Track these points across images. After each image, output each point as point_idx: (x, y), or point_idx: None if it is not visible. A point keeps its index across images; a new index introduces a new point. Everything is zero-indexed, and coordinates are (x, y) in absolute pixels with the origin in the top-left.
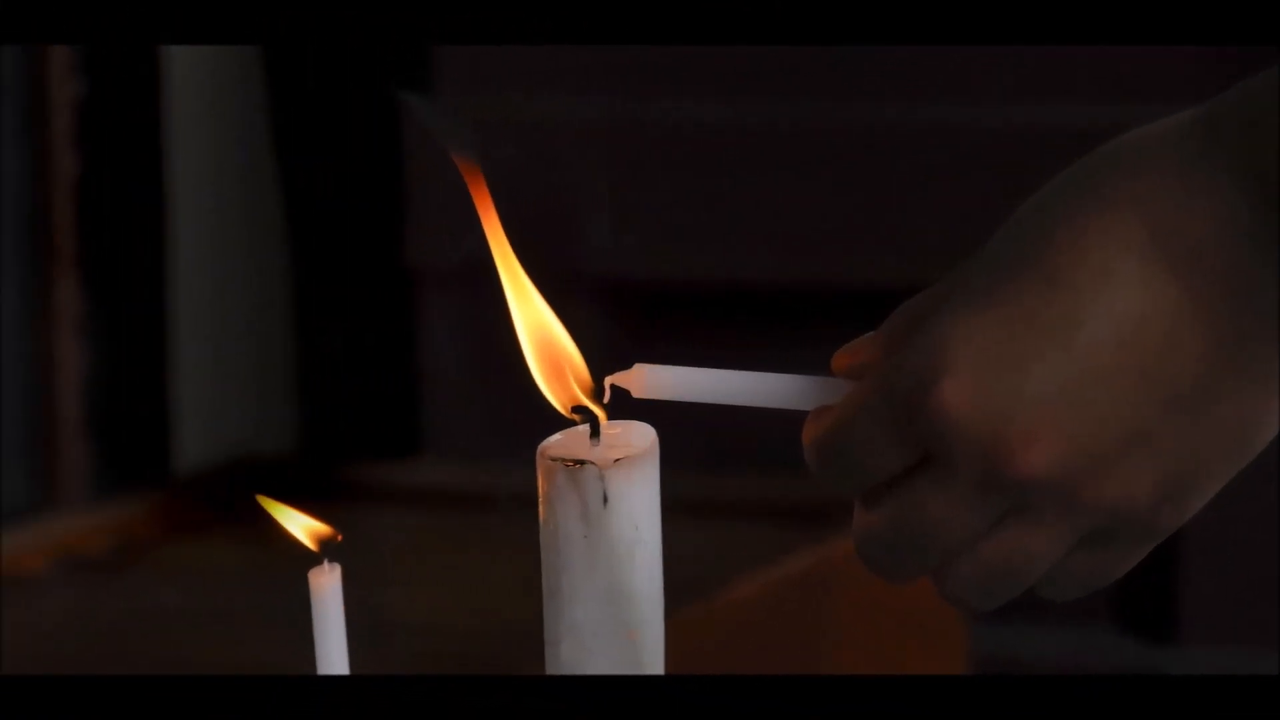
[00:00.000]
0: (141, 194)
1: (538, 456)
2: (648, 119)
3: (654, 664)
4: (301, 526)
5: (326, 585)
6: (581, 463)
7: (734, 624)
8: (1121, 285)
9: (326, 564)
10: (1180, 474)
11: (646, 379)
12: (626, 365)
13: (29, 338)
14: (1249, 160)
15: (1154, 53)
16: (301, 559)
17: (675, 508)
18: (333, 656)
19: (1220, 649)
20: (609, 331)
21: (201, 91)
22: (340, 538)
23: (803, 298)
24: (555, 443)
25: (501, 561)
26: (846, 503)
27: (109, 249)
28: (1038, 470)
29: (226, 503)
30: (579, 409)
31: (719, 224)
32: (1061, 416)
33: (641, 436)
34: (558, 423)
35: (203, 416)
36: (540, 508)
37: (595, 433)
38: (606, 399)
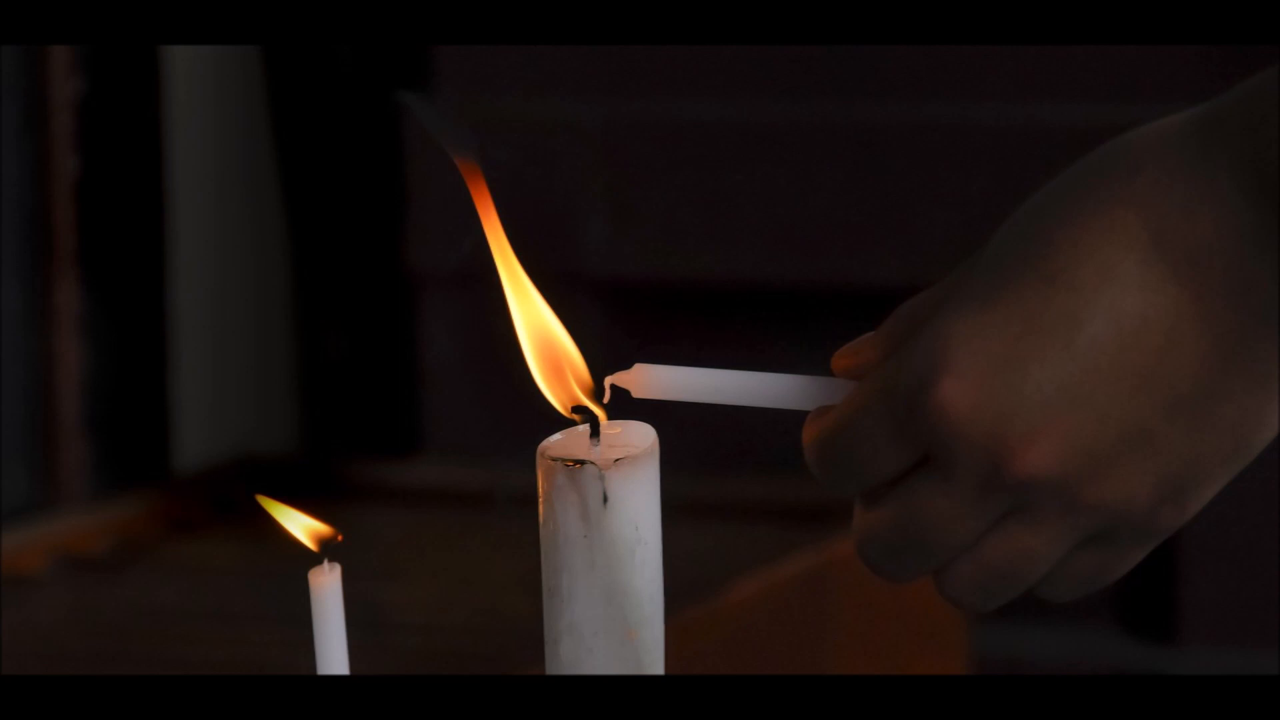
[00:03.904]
0: (141, 194)
1: (538, 456)
2: (647, 119)
3: (654, 664)
4: (301, 526)
5: (326, 585)
6: (581, 463)
7: (734, 624)
8: (1122, 285)
9: (326, 564)
10: (1180, 474)
11: (646, 379)
12: (626, 365)
13: (29, 338)
14: (1250, 160)
15: (1154, 53)
16: (301, 559)
17: (675, 508)
18: (333, 656)
19: (1220, 649)
20: (609, 331)
21: (201, 91)
22: (340, 537)
23: (803, 298)
24: (555, 443)
25: (501, 560)
26: (846, 503)
27: (109, 249)
28: (1038, 470)
29: (226, 503)
30: (579, 409)
31: (717, 224)
32: (1062, 417)
33: (642, 436)
34: (558, 423)
35: (203, 416)
36: (540, 508)
37: (595, 433)
38: (606, 399)
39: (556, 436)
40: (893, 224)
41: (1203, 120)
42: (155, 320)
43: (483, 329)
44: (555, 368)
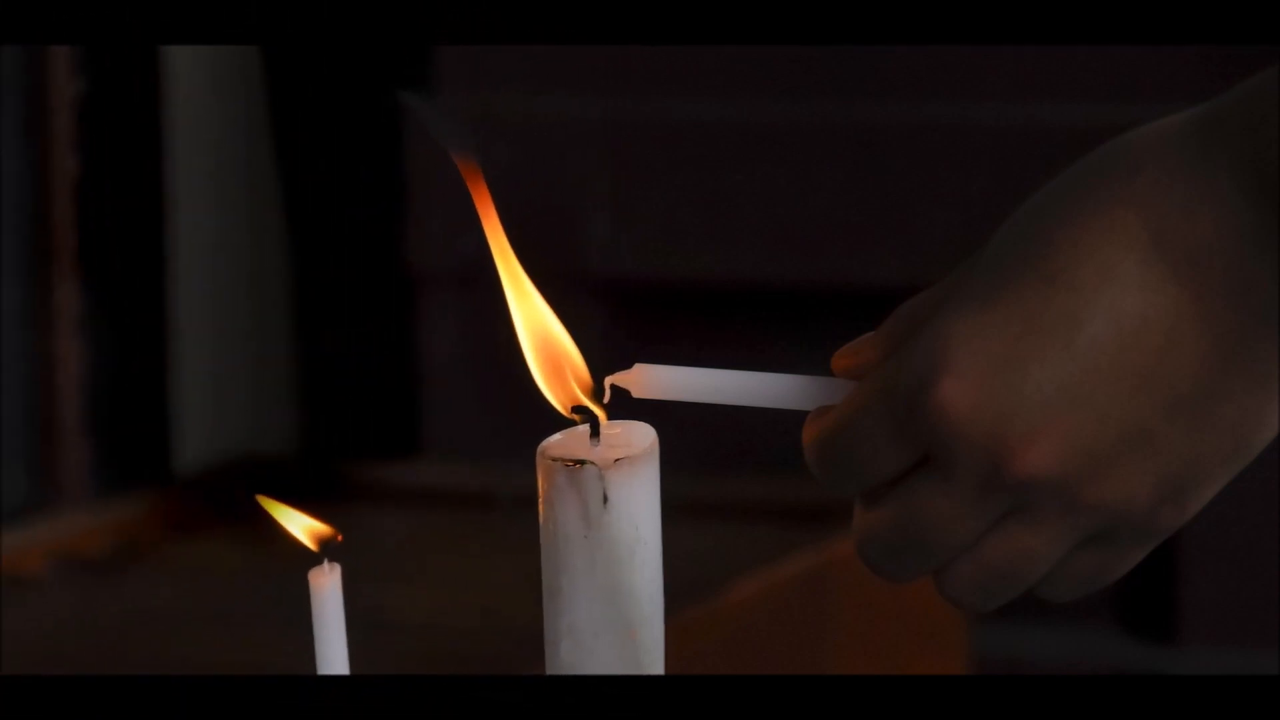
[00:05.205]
0: (141, 194)
1: (538, 456)
2: (648, 119)
3: (654, 664)
4: (301, 526)
5: (326, 585)
6: (581, 463)
7: (734, 624)
8: (1122, 285)
9: (326, 564)
10: (1180, 474)
11: (646, 379)
12: (626, 365)
13: (29, 338)
14: (1250, 160)
15: (1154, 53)
16: (301, 559)
17: (675, 508)
18: (333, 656)
19: (1220, 649)
20: (609, 331)
21: (201, 91)
22: (340, 538)
23: (803, 298)
24: (555, 443)
25: (501, 561)
26: (846, 503)
27: (109, 249)
28: (1038, 470)
29: (226, 503)
30: (579, 409)
31: (719, 224)
32: (1062, 416)
33: (642, 436)
34: (558, 423)
35: (203, 416)
36: (540, 508)
37: (595, 433)
38: (606, 399)
39: (556, 436)
40: (893, 224)
41: (1203, 120)
42: (155, 320)
43: (483, 329)
44: (555, 368)
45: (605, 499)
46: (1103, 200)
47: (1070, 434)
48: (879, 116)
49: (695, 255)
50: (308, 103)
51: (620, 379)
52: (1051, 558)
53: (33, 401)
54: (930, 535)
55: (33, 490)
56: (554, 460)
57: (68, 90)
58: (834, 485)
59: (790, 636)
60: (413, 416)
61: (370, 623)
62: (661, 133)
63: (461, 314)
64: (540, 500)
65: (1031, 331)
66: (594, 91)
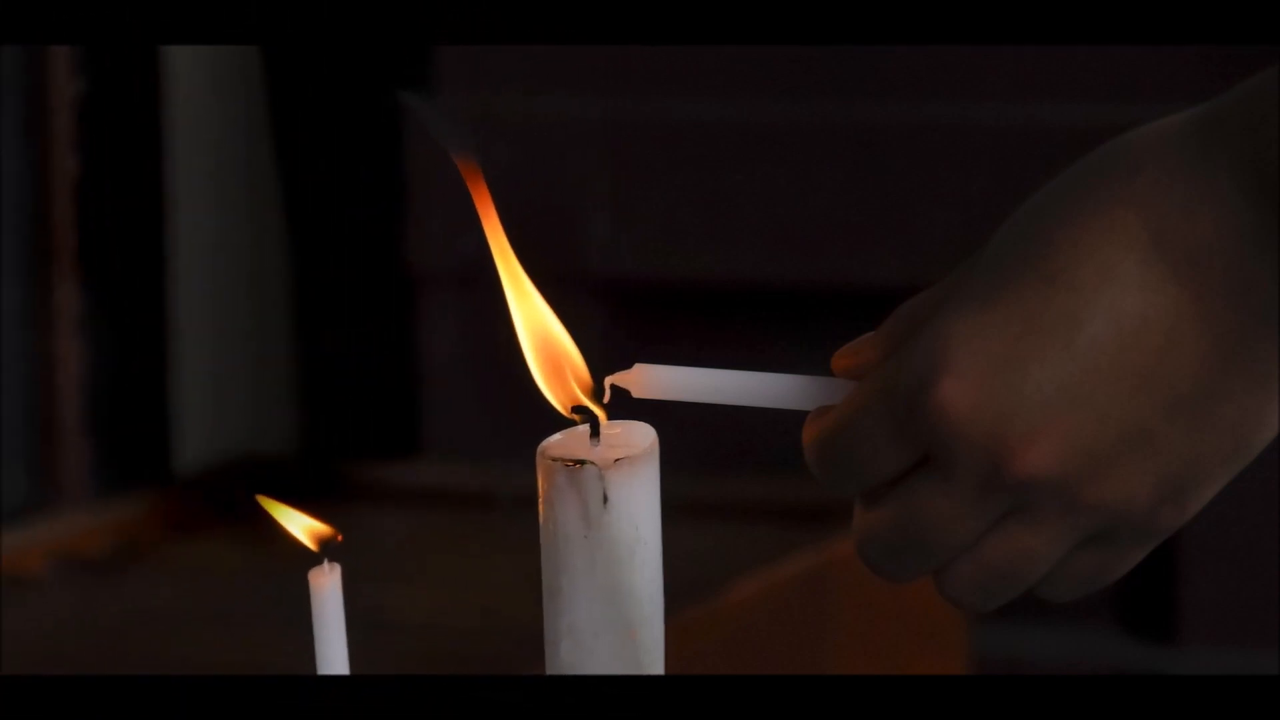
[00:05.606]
0: (141, 194)
1: (538, 456)
2: (648, 119)
3: (654, 664)
4: (301, 526)
5: (326, 585)
6: (581, 463)
7: (734, 624)
8: (1122, 285)
9: (326, 564)
10: (1180, 474)
11: (646, 379)
12: (626, 365)
13: (29, 338)
14: (1250, 160)
15: (1154, 53)
16: (301, 559)
17: (675, 508)
18: (333, 656)
19: (1220, 649)
20: (609, 331)
21: (201, 91)
22: (340, 538)
23: (803, 298)
24: (555, 443)
25: (501, 561)
26: (847, 503)
27: (109, 249)
28: (1038, 470)
29: (226, 503)
30: (579, 409)
31: (719, 224)
32: (1062, 416)
33: (642, 436)
34: (558, 423)
35: (203, 416)
36: (540, 508)
37: (595, 433)
38: (606, 399)
39: (556, 436)
40: (893, 224)
41: (1203, 120)
42: (155, 320)
43: (483, 329)
44: (555, 368)
45: (605, 499)
46: (1103, 200)
47: (1070, 434)
48: (879, 116)
49: (695, 255)
50: (308, 103)
51: (620, 379)
52: (1051, 558)
53: (33, 401)
54: (930, 535)
55: (33, 490)
56: (554, 460)
57: (68, 90)
58: (834, 485)
59: (790, 636)
60: (413, 416)
61: (370, 623)
62: (661, 133)
63: (461, 314)
64: (540, 500)
65: (1031, 331)
66: (594, 91)
